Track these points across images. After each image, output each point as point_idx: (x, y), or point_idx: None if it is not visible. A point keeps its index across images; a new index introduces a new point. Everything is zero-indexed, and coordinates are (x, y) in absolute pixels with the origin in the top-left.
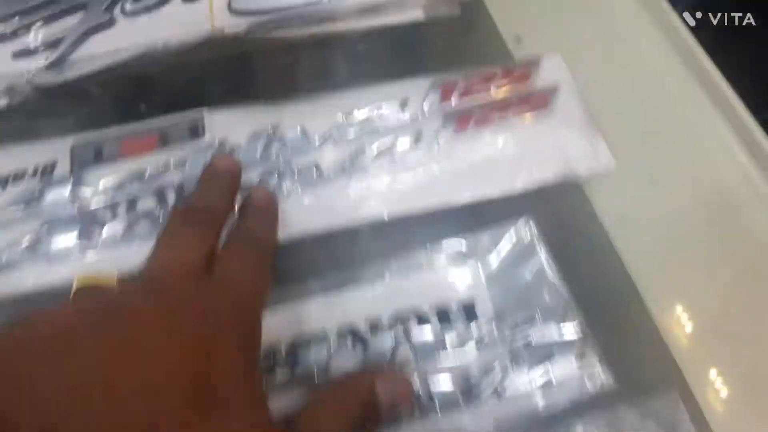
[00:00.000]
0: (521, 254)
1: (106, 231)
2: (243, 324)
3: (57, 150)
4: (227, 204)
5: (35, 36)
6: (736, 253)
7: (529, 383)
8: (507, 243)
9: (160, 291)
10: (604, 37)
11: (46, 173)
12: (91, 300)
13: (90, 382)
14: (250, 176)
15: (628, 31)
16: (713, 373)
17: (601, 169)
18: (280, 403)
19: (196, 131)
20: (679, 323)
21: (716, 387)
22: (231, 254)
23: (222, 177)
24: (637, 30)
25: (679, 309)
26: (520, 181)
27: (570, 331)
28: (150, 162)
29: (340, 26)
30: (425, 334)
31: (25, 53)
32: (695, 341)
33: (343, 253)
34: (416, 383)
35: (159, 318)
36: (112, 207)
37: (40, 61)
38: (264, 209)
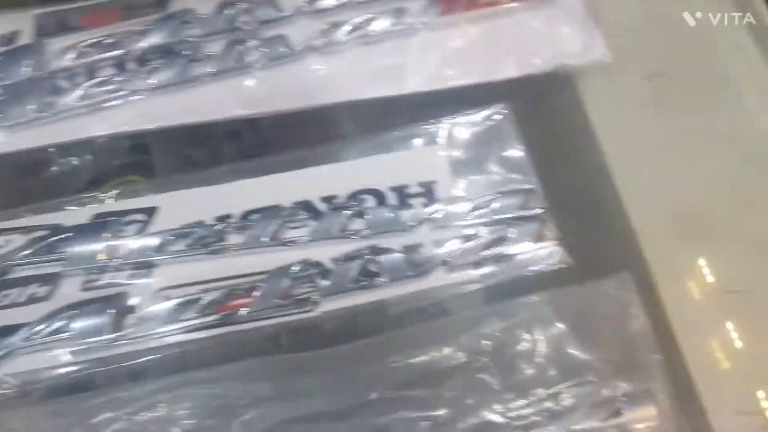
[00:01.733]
0: (491, 139)
1: (66, 99)
2: None
3: (21, 21)
4: None
5: None
6: (725, 146)
7: (481, 256)
8: (477, 127)
9: None
10: None
11: (11, 41)
12: None
13: None
14: (215, 46)
15: None
16: (678, 261)
17: (595, 61)
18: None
19: (162, 2)
20: (651, 213)
21: (677, 274)
22: None
23: None
24: None
25: (651, 199)
26: (507, 69)
27: (531, 212)
28: (111, 32)
29: None
30: (381, 211)
31: None
32: (664, 230)
33: (306, 132)
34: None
35: None
36: (71, 76)
37: None
38: None
